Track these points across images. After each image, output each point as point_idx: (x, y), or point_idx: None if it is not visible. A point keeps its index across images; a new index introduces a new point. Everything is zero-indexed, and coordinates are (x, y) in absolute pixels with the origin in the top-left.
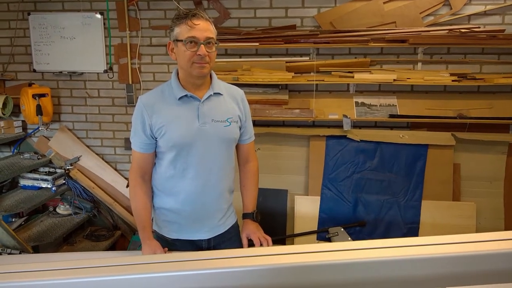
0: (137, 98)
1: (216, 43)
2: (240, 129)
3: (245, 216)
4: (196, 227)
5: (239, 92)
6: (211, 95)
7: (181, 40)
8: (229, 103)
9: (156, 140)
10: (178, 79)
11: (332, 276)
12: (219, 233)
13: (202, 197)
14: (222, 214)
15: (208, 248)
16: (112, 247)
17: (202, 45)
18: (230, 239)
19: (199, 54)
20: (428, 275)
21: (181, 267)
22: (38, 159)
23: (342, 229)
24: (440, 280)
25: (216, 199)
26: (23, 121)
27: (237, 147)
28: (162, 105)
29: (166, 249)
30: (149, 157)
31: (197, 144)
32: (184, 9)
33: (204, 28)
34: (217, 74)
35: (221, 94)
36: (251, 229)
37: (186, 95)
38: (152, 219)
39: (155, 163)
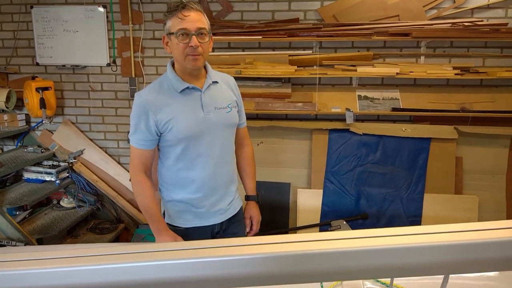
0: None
1: (209, 33)
2: (238, 113)
3: (248, 198)
4: (209, 213)
5: (231, 78)
6: (210, 84)
7: (173, 33)
8: (226, 89)
9: (159, 136)
10: (175, 71)
11: (338, 263)
12: (230, 216)
13: (213, 183)
14: (232, 197)
15: (219, 232)
16: (116, 240)
17: (193, 36)
18: (238, 220)
19: (191, 46)
20: (430, 262)
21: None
22: (42, 152)
23: (344, 222)
24: (443, 267)
25: (226, 183)
26: (26, 115)
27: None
28: (165, 100)
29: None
30: (151, 153)
31: (204, 133)
32: (175, 2)
33: (194, 19)
34: (220, 68)
35: (218, 82)
36: (255, 213)
37: (187, 87)
38: (164, 212)
39: (160, 158)
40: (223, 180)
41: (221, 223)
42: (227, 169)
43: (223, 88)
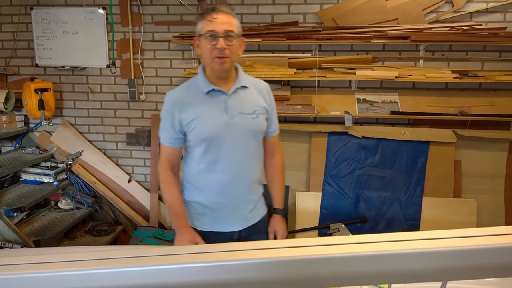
0: (140, 93)
1: (238, 37)
2: (266, 121)
3: (274, 211)
4: (227, 219)
5: (265, 84)
6: (237, 88)
7: (202, 35)
8: (255, 95)
9: (184, 135)
10: (205, 73)
11: (336, 269)
12: (250, 225)
13: (232, 189)
14: (253, 206)
15: (239, 240)
16: (114, 242)
17: (220, 39)
18: (260, 230)
19: (218, 48)
20: (428, 269)
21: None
22: (40, 153)
23: (343, 225)
24: (441, 273)
25: (246, 190)
26: (25, 116)
27: (263, 140)
28: (190, 100)
29: (201, 239)
30: (177, 151)
31: (226, 137)
32: (208, 5)
33: (223, 21)
34: None
35: (247, 87)
36: (279, 228)
37: (213, 89)
38: None
39: (185, 157)
40: (244, 187)
41: (240, 230)
42: (249, 175)
43: (252, 94)
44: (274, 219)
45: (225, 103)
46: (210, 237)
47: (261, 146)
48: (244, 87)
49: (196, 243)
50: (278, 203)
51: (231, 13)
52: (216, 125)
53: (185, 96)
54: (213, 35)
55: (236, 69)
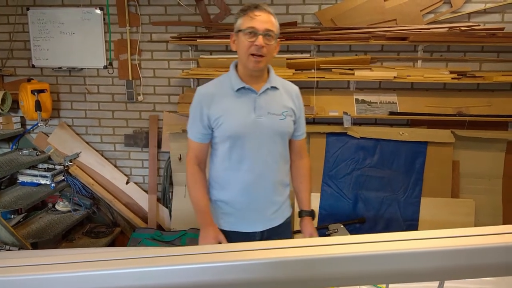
0: (138, 94)
1: (276, 37)
2: (294, 123)
3: (303, 213)
4: (250, 219)
5: (294, 88)
6: (268, 88)
7: (242, 30)
8: (285, 97)
9: (212, 131)
10: (237, 71)
11: (334, 269)
12: (273, 226)
13: (256, 189)
14: (277, 207)
15: (261, 241)
16: (112, 244)
17: (260, 36)
18: (282, 233)
19: (256, 45)
20: (426, 268)
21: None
22: (37, 155)
23: (342, 226)
24: (438, 273)
25: (270, 191)
26: (22, 117)
27: (290, 142)
28: (220, 96)
29: (224, 237)
30: (205, 147)
31: (252, 136)
32: (250, 3)
33: (264, 20)
34: (218, 71)
35: (277, 89)
36: (314, 230)
37: (243, 87)
38: None
39: (211, 155)
40: (268, 187)
41: (262, 231)
42: (273, 176)
43: (282, 95)
44: (307, 221)
45: (254, 102)
46: (232, 237)
47: (287, 148)
48: (274, 88)
49: (219, 242)
50: (307, 205)
51: (273, 13)
52: (243, 123)
53: (215, 92)
54: (253, 32)
55: (268, 70)
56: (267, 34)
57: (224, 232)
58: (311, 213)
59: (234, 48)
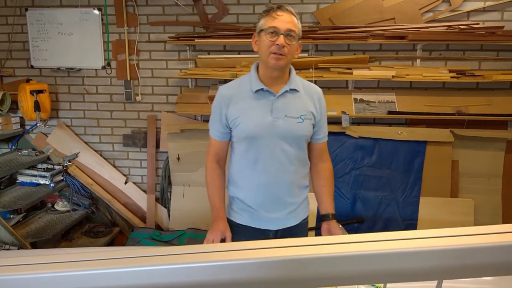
0: (136, 95)
1: (298, 38)
2: (313, 127)
3: (328, 217)
4: (265, 218)
5: (317, 90)
6: (286, 91)
7: (264, 30)
8: (305, 100)
9: (231, 130)
10: (257, 72)
11: (331, 268)
12: (287, 226)
13: (270, 191)
14: (292, 209)
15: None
16: (111, 244)
17: (281, 36)
18: (296, 234)
19: (277, 44)
20: (424, 268)
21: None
22: (36, 155)
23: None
24: (436, 273)
25: (285, 193)
26: (21, 118)
27: (310, 145)
28: (239, 97)
29: (230, 235)
30: (224, 145)
31: (268, 138)
32: (274, 3)
33: (286, 20)
34: (215, 71)
35: (298, 91)
36: (340, 233)
37: (262, 89)
38: (226, 206)
39: (230, 153)
40: (283, 189)
41: (276, 230)
42: (288, 178)
43: (302, 98)
44: (332, 224)
45: (272, 104)
46: (247, 232)
47: (305, 151)
48: (294, 90)
49: (225, 237)
50: (329, 209)
51: (295, 14)
52: (260, 125)
53: (235, 92)
54: (275, 32)
55: (289, 71)
56: (288, 34)
57: (240, 226)
58: (335, 216)
59: (256, 48)
